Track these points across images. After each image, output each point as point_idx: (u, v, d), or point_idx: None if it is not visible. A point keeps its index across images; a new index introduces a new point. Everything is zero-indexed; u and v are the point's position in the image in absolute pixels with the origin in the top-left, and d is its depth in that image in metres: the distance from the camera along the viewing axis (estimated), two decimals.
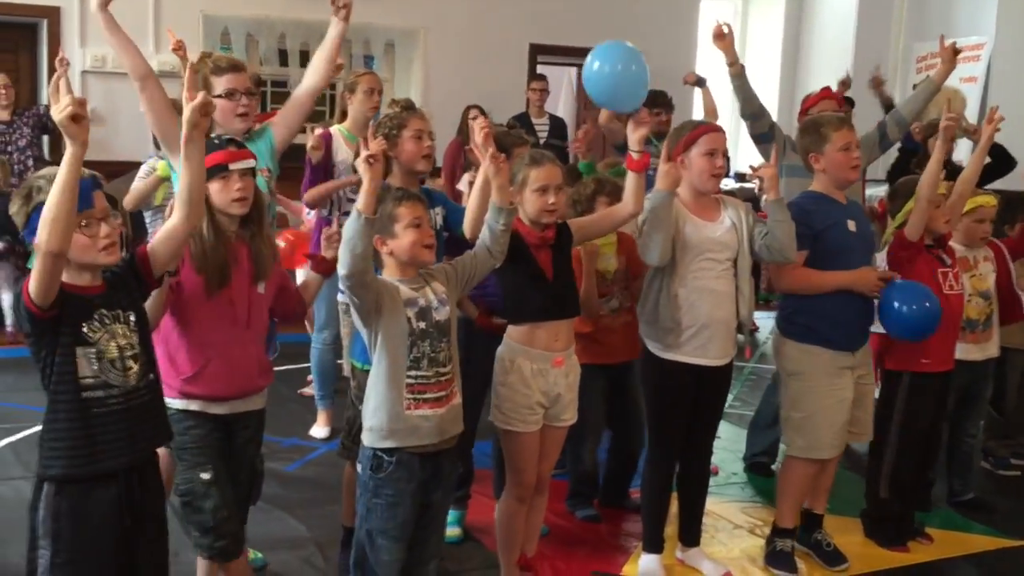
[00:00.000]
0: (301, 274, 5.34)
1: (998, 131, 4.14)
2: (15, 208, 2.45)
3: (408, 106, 3.67)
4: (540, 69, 9.74)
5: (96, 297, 2.50)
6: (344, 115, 5.25)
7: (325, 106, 9.07)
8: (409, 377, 2.89)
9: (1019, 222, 4.89)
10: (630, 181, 3.39)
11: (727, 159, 3.68)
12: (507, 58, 9.48)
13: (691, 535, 3.83)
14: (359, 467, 3.01)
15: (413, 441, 2.90)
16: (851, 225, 3.72)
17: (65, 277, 2.43)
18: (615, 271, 4.18)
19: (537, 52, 9.80)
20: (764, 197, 3.65)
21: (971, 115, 9.66)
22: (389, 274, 2.96)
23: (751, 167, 3.65)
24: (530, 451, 3.35)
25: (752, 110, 4.70)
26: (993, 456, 5.07)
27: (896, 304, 3.68)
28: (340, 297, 4.60)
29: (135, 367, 2.55)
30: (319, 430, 5.37)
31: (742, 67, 4.63)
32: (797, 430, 3.78)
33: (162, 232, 2.67)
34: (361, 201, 2.76)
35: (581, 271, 3.84)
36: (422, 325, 2.91)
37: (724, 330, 3.54)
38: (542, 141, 8.50)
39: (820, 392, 3.70)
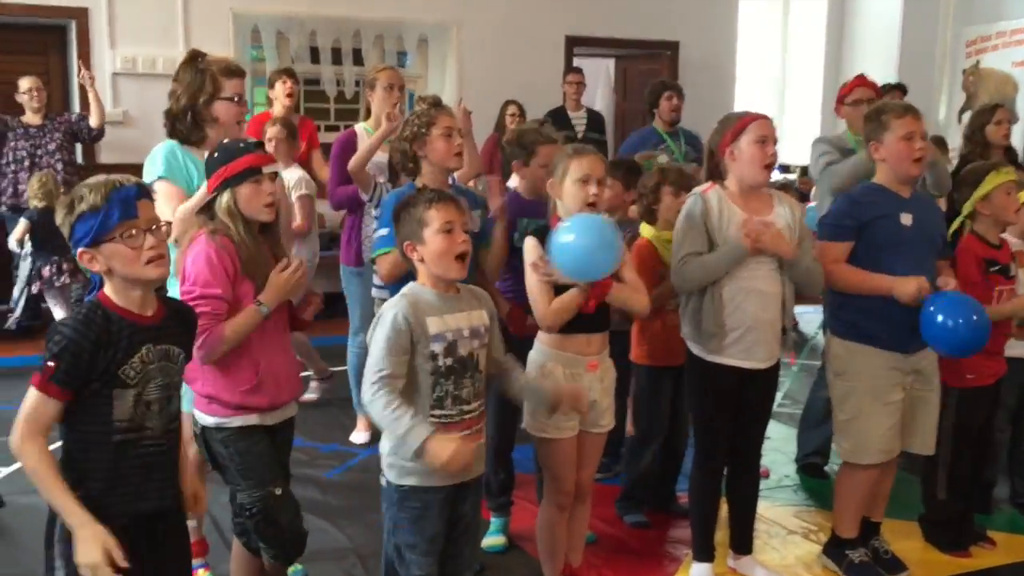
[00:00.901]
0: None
1: None
2: (60, 218, 2.33)
3: (436, 103, 3.55)
4: (576, 62, 9.56)
5: (146, 330, 2.34)
6: (370, 112, 5.16)
7: (359, 103, 9.01)
8: (432, 417, 2.73)
9: None
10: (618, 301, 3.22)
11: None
12: (542, 51, 9.33)
13: (743, 542, 3.68)
14: (382, 479, 2.89)
15: (433, 482, 2.76)
16: (905, 219, 3.49)
17: (112, 293, 2.31)
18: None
19: (573, 44, 9.64)
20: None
21: (1023, 98, 9.44)
22: (423, 282, 2.80)
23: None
24: (566, 458, 3.22)
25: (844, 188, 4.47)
26: None
27: (940, 318, 3.36)
28: (375, 292, 4.45)
29: (170, 409, 2.41)
30: (359, 435, 5.27)
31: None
32: (843, 432, 3.61)
33: None
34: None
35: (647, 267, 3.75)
36: (448, 361, 2.74)
37: (771, 332, 3.38)
38: (579, 135, 8.39)
39: (865, 394, 3.51)
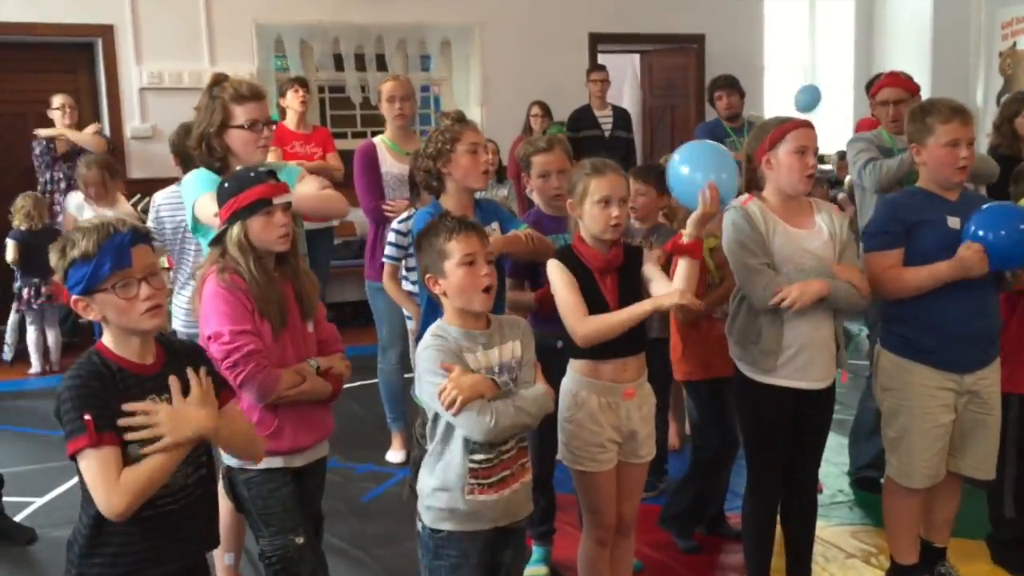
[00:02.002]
0: None
1: None
2: (54, 261, 2.20)
3: (460, 118, 3.39)
4: (601, 59, 9.43)
5: (149, 380, 2.20)
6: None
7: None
8: (472, 462, 2.59)
9: None
10: (680, 268, 3.01)
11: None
12: (566, 49, 9.21)
13: (801, 571, 3.49)
14: (418, 524, 2.75)
15: (472, 526, 2.63)
16: (953, 222, 3.27)
17: (110, 341, 2.19)
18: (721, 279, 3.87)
19: (597, 41, 9.50)
20: None
21: None
22: (450, 321, 2.65)
23: None
24: (606, 491, 3.06)
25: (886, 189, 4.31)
26: None
27: (982, 233, 3.15)
28: (407, 286, 4.27)
29: (184, 465, 2.24)
30: (395, 455, 5.15)
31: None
32: (893, 449, 3.42)
33: None
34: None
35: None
36: None
37: (825, 350, 3.20)
38: (607, 134, 8.26)
39: (913, 414, 3.31)
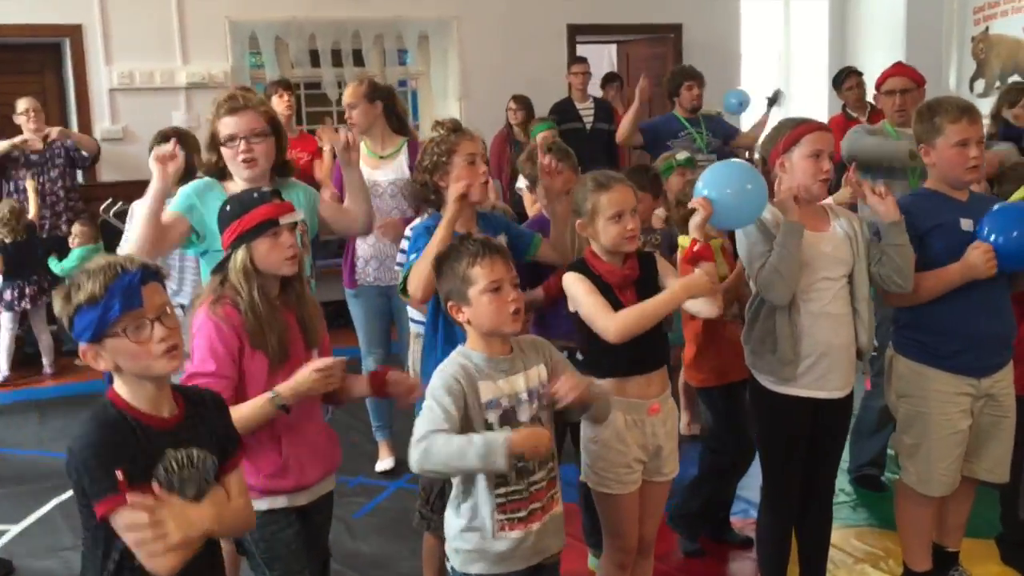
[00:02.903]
0: None
1: None
2: (58, 309, 2.04)
3: (456, 128, 3.24)
4: (579, 50, 9.32)
5: (166, 434, 2.05)
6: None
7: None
8: (499, 496, 2.48)
9: None
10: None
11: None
12: (545, 42, 9.11)
13: None
14: (448, 566, 2.64)
15: (504, 568, 2.52)
16: (966, 224, 3.21)
17: (123, 390, 2.03)
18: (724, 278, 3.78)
19: (576, 33, 9.38)
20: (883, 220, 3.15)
21: None
22: (473, 346, 2.53)
23: (871, 189, 3.20)
24: (630, 513, 2.97)
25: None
26: None
27: (993, 235, 3.09)
28: (413, 328, 4.11)
29: None
30: (384, 463, 5.06)
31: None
32: (908, 457, 3.35)
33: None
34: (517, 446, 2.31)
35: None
36: (507, 431, 2.44)
37: (845, 358, 3.12)
38: (588, 126, 8.17)
39: (931, 421, 3.24)
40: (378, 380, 2.75)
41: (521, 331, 2.59)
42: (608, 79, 9.29)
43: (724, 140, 6.50)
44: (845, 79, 7.86)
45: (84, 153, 7.05)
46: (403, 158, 4.82)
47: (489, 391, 2.46)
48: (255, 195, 2.63)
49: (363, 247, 4.77)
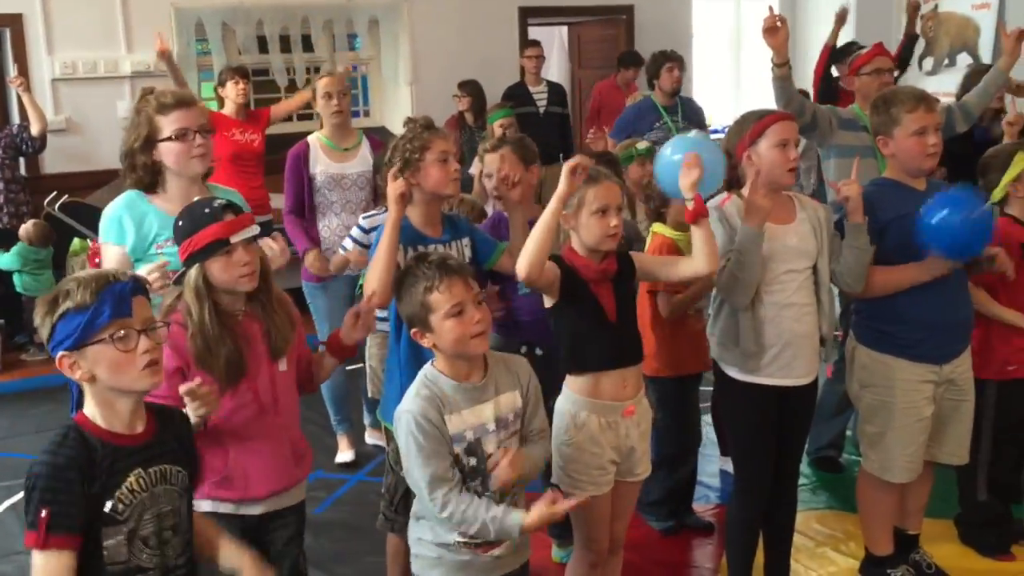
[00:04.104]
0: None
1: None
2: (39, 318, 1.99)
3: (428, 125, 3.17)
4: (531, 32, 9.27)
5: (135, 452, 2.01)
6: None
7: (312, 108, 8.62)
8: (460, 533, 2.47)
9: None
10: (696, 237, 2.88)
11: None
12: (496, 24, 9.02)
13: (780, 566, 3.43)
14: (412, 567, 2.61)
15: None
16: None
17: (93, 409, 1.98)
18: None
19: (527, 15, 9.31)
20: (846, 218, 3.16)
21: (986, 42, 9.27)
22: (441, 367, 2.48)
23: (833, 185, 3.19)
24: (603, 514, 2.95)
25: (792, 109, 4.28)
26: None
27: (933, 218, 3.05)
28: (379, 325, 4.08)
29: (173, 539, 2.08)
30: (344, 455, 5.01)
31: (790, 69, 4.19)
32: (871, 445, 3.37)
33: None
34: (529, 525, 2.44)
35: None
36: (472, 462, 2.45)
37: (808, 346, 3.12)
38: (542, 110, 8.13)
39: (894, 409, 3.27)
40: (335, 342, 2.75)
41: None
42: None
43: (698, 125, 6.50)
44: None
45: (33, 131, 6.81)
46: (365, 150, 4.79)
47: (455, 425, 2.42)
48: (206, 211, 2.50)
49: (330, 237, 4.69)
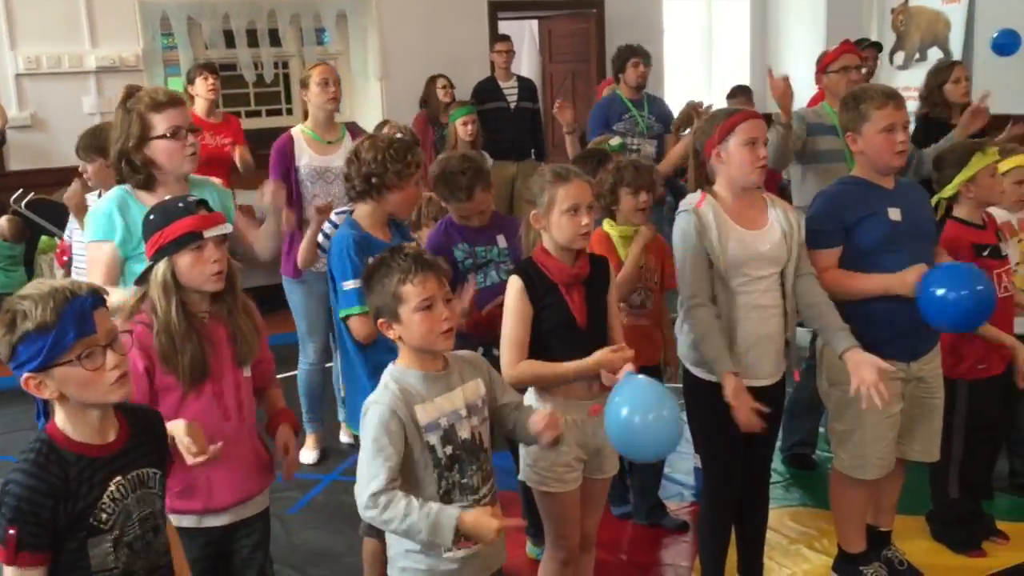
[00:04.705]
0: None
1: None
2: None
3: (418, 143, 3.22)
4: (501, 26, 9.22)
5: (111, 460, 1.99)
6: (307, 114, 4.92)
7: (279, 87, 8.56)
8: None
9: None
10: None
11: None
12: (466, 19, 8.97)
13: (753, 565, 3.44)
14: None
15: None
16: (894, 214, 3.23)
17: (65, 422, 1.95)
18: (642, 267, 3.78)
19: (497, 9, 9.27)
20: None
21: (956, 37, 9.33)
22: (405, 363, 2.46)
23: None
24: (572, 511, 2.94)
25: (780, 165, 4.31)
26: None
27: (939, 292, 3.07)
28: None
29: (155, 540, 2.07)
30: (308, 454, 4.97)
31: (790, 125, 4.20)
32: (842, 443, 3.38)
33: None
34: (467, 529, 2.27)
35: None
36: (448, 450, 2.41)
37: (773, 346, 3.13)
38: (512, 106, 8.10)
39: (865, 408, 3.26)
40: (275, 421, 2.75)
41: None
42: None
43: (665, 125, 6.49)
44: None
45: None
46: (349, 143, 4.74)
47: (426, 414, 2.39)
48: (180, 204, 2.48)
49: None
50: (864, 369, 2.95)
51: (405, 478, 2.38)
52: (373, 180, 3.13)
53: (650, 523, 4.07)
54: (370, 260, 2.91)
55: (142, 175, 3.03)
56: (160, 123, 2.99)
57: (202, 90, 6.11)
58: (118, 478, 1.98)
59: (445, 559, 2.42)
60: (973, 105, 4.70)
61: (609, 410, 2.59)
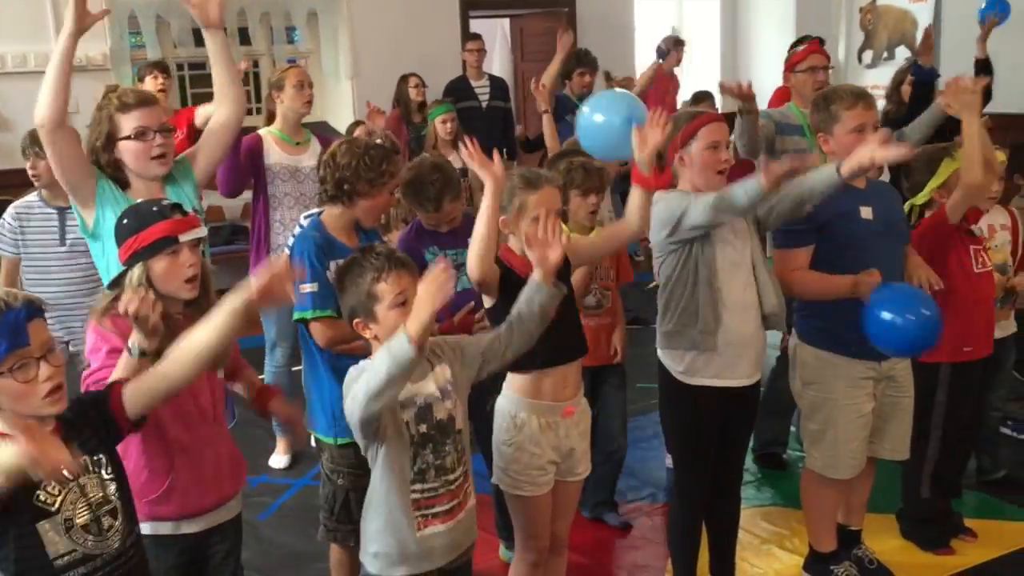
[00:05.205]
0: None
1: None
2: None
3: (397, 150, 3.20)
4: (472, 25, 9.20)
5: None
6: (271, 117, 4.87)
7: (249, 86, 8.50)
8: (415, 492, 2.45)
9: None
10: (635, 197, 2.91)
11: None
12: (437, 17, 8.96)
13: (725, 566, 3.45)
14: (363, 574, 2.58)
15: (426, 566, 2.49)
16: (865, 212, 3.25)
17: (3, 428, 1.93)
18: (595, 268, 3.79)
19: (468, 8, 9.25)
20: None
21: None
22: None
23: None
24: (543, 514, 2.95)
25: (749, 151, 4.31)
26: (1012, 419, 4.74)
27: (885, 315, 3.06)
28: None
29: (116, 524, 2.07)
30: (278, 459, 4.93)
31: (758, 114, 4.20)
32: (814, 443, 3.40)
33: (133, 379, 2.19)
34: (414, 328, 2.18)
35: None
36: (422, 428, 2.44)
37: (752, 347, 3.14)
38: (484, 104, 8.09)
39: (836, 405, 3.30)
40: (263, 397, 2.75)
41: None
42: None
43: None
44: None
45: None
46: (316, 145, 4.77)
47: (404, 392, 2.42)
48: (154, 208, 2.46)
49: (283, 233, 4.62)
50: (862, 150, 2.88)
51: (383, 461, 2.42)
52: (345, 186, 3.11)
53: (592, 517, 4.06)
54: (335, 263, 2.93)
55: (114, 175, 3.04)
56: (126, 124, 2.99)
57: (151, 89, 6.06)
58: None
59: (416, 539, 2.44)
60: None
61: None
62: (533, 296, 2.53)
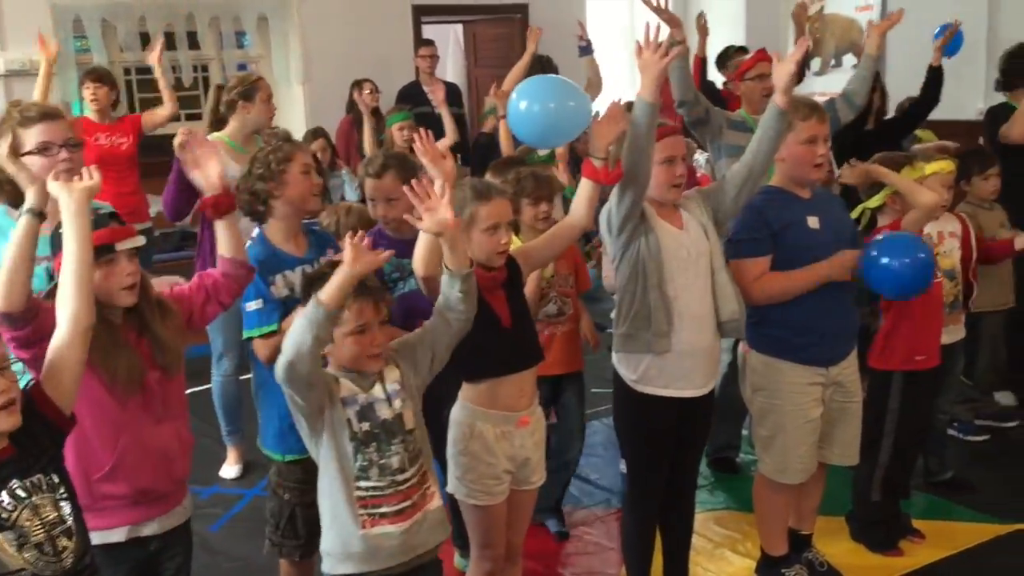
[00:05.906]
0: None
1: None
2: None
3: (288, 137, 3.17)
4: (425, 30, 9.19)
5: (4, 465, 1.97)
6: (221, 122, 4.69)
7: (198, 90, 8.39)
8: (359, 489, 2.46)
9: (978, 176, 4.62)
10: (584, 189, 2.95)
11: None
12: (389, 23, 8.94)
13: (678, 571, 3.45)
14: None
15: (373, 565, 2.48)
16: (812, 222, 3.30)
17: None
18: (551, 276, 3.79)
19: (421, 13, 9.23)
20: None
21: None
22: (331, 365, 2.50)
23: None
24: (499, 523, 2.94)
25: (687, 97, 4.33)
26: (958, 421, 4.83)
27: (884, 259, 3.30)
28: None
29: (70, 545, 2.05)
30: (229, 470, 4.87)
31: (687, 49, 4.22)
32: (765, 448, 3.44)
33: (50, 353, 2.12)
34: (327, 292, 2.29)
35: None
36: (365, 427, 2.46)
37: (707, 358, 3.16)
38: (437, 110, 8.04)
39: (784, 411, 3.34)
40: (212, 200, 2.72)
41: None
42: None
43: None
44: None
45: None
46: None
47: (346, 388, 2.46)
48: (91, 217, 2.39)
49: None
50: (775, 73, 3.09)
51: (326, 455, 2.46)
52: (251, 196, 3.07)
53: (534, 522, 4.04)
54: (281, 276, 2.90)
55: (14, 192, 2.84)
56: (29, 139, 2.85)
57: (86, 98, 5.97)
58: (15, 480, 1.99)
59: (360, 537, 2.45)
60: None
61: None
62: (452, 282, 2.59)
